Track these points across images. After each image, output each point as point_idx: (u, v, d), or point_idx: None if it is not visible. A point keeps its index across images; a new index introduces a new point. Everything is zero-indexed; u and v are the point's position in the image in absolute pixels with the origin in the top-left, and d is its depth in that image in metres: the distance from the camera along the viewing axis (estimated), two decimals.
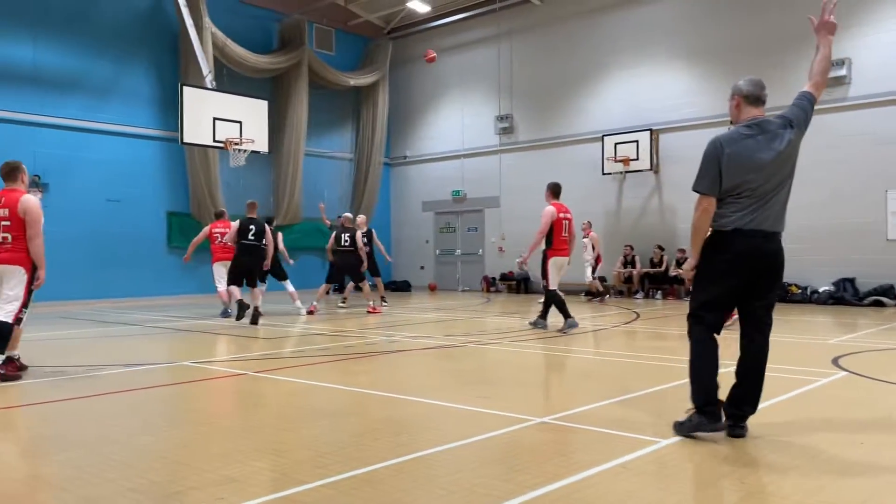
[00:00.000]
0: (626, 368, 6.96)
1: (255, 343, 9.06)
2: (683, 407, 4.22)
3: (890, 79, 14.51)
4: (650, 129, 17.50)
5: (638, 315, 12.51)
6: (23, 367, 6.43)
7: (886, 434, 4.27)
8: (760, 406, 4.18)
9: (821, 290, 14.85)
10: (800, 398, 5.22)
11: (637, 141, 17.59)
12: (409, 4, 20.53)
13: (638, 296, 17.05)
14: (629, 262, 17.45)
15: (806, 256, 15.11)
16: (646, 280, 17.21)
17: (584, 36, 19.01)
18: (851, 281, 14.50)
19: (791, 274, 15.21)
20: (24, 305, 6.14)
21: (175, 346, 9.04)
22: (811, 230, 15.02)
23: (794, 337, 9.31)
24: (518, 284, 19.85)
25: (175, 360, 7.46)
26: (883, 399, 5.40)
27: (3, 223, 6.11)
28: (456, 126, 21.74)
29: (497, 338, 9.22)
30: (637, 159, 17.52)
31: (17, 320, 6.07)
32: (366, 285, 13.12)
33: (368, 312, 12.71)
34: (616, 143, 17.86)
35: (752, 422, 4.14)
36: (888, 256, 14.11)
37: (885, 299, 13.79)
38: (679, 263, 16.74)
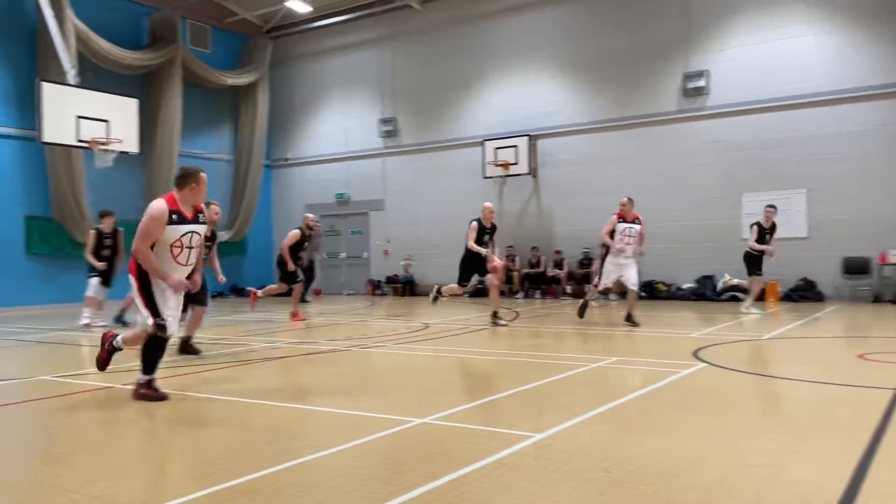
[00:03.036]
0: (506, 366, 7.17)
1: (124, 354, 8.59)
2: (558, 402, 4.40)
3: (745, 89, 15.73)
4: (529, 135, 18.07)
5: (518, 314, 12.89)
6: None
7: (739, 419, 4.64)
8: (626, 398, 4.42)
9: (684, 286, 15.90)
10: (662, 389, 5.57)
11: (516, 146, 18.12)
12: (288, 3, 20.15)
13: (518, 295, 17.58)
14: (510, 262, 17.95)
15: (672, 256, 16.15)
16: (526, 280, 17.77)
17: (465, 42, 19.37)
18: (711, 278, 15.62)
19: (658, 272, 16.25)
20: None
21: (34, 359, 8.43)
22: (677, 231, 16.07)
23: (659, 331, 9.91)
24: (404, 287, 19.92)
25: (34, 375, 6.96)
26: (735, 387, 5.86)
27: None
28: (339, 128, 21.56)
29: (381, 341, 9.24)
30: (516, 164, 18.05)
31: None
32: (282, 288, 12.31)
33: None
34: (497, 148, 18.31)
35: (622, 414, 4.38)
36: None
37: (741, 294, 14.92)
38: (557, 264, 17.42)
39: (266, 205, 22.54)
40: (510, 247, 18.03)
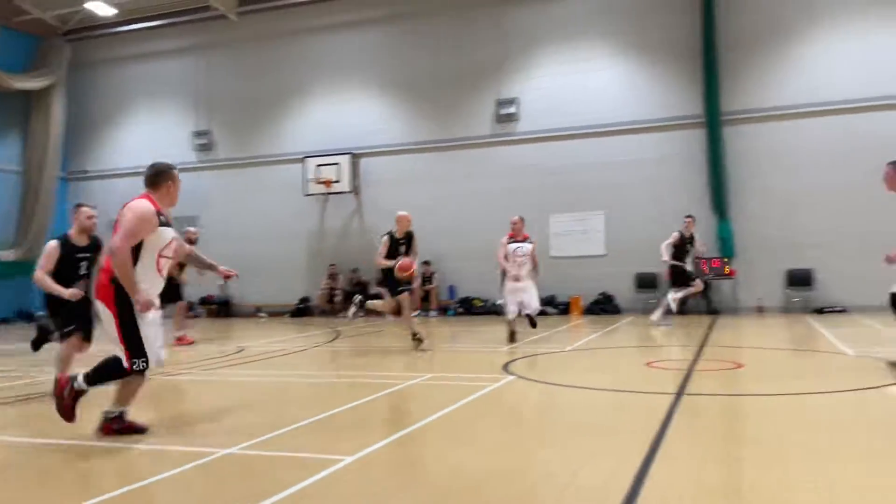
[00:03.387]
0: (322, 389, 7.04)
1: None
2: (371, 422, 4.37)
3: (552, 116, 16.84)
4: (351, 153, 18.08)
5: (339, 333, 12.76)
6: None
7: (542, 428, 4.89)
8: (437, 414, 4.49)
9: (499, 302, 16.61)
10: (472, 403, 5.74)
11: (339, 163, 18.05)
12: (88, 5, 18.67)
13: (347, 314, 17.43)
14: (333, 281, 17.78)
15: (488, 273, 16.80)
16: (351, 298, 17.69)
17: (285, 56, 19.04)
18: None
19: (477, 288, 16.85)
20: None
21: None
22: (492, 249, 16.73)
23: (475, 347, 10.25)
24: (219, 308, 19.01)
25: None
26: (539, 397, 6.18)
27: None
28: (146, 139, 20.21)
29: (190, 367, 8.71)
30: (338, 181, 17.96)
31: None
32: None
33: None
34: (318, 165, 18.12)
35: (432, 431, 4.43)
36: (550, 272, 16.28)
37: (548, 309, 15.89)
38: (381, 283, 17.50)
39: (63, 221, 20.54)
40: (332, 265, 17.88)
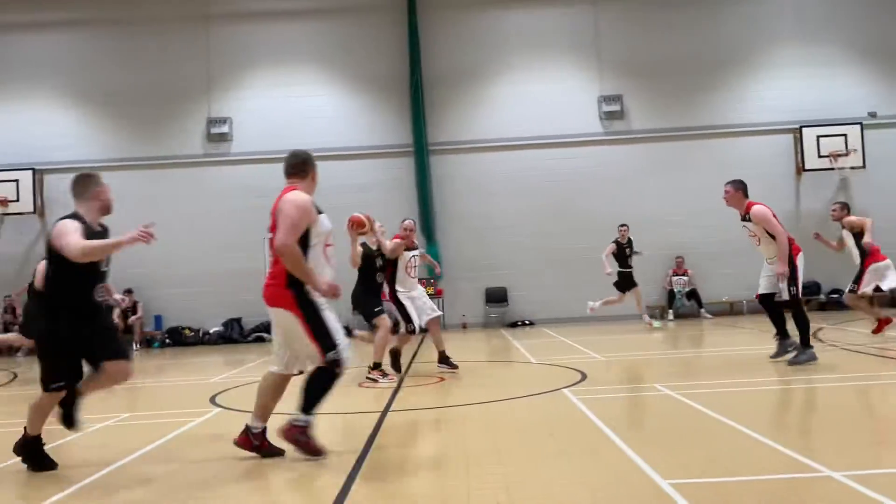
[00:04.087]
0: None
1: None
2: (43, 476, 3.82)
3: (265, 138, 16.56)
4: (33, 169, 15.97)
5: (16, 376, 11.08)
6: None
7: (241, 462, 4.70)
8: (127, 458, 4.08)
9: (211, 330, 15.84)
10: (172, 441, 5.35)
11: (17, 180, 15.85)
12: None
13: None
14: (12, 315, 15.43)
15: (200, 300, 15.95)
16: None
17: None
18: (238, 320, 15.88)
19: (184, 317, 15.88)
20: None
21: None
22: (205, 274, 15.94)
23: (180, 379, 9.60)
24: None
25: None
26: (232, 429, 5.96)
27: None
28: None
29: None
30: (17, 200, 15.75)
31: None
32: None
33: None
34: None
35: (113, 481, 4.00)
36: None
37: (265, 335, 15.51)
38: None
39: None
40: (8, 296, 15.53)
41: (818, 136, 16.05)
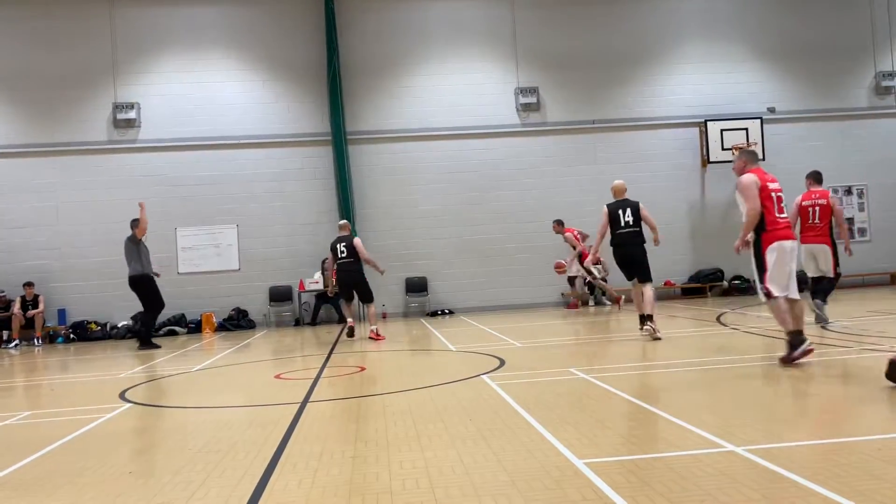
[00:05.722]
0: None
1: None
2: None
3: (176, 125, 16.01)
4: None
5: None
6: None
7: (157, 458, 4.55)
8: (31, 457, 3.87)
9: (120, 324, 15.20)
10: (83, 437, 5.12)
11: None
12: None
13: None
14: None
15: (106, 293, 15.29)
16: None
17: None
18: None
19: (90, 311, 15.21)
20: None
21: None
22: (112, 267, 15.20)
23: (87, 375, 9.20)
24: None
25: None
26: (158, 424, 5.77)
27: None
28: None
29: None
30: None
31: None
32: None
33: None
34: None
35: (23, 478, 3.81)
36: (179, 289, 15.43)
37: (177, 328, 15.04)
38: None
39: None
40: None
41: (722, 130, 16.86)
